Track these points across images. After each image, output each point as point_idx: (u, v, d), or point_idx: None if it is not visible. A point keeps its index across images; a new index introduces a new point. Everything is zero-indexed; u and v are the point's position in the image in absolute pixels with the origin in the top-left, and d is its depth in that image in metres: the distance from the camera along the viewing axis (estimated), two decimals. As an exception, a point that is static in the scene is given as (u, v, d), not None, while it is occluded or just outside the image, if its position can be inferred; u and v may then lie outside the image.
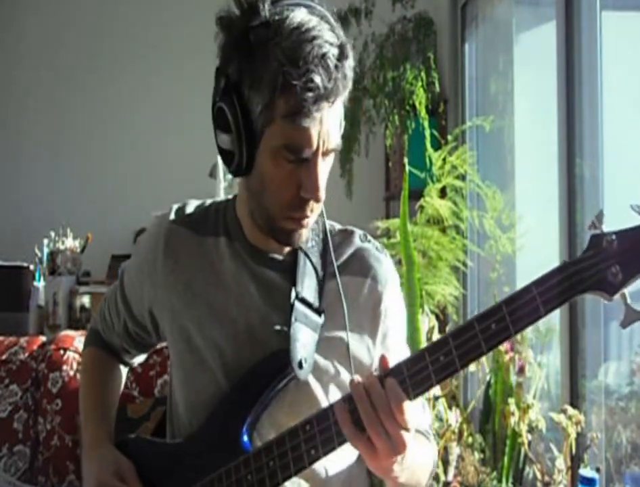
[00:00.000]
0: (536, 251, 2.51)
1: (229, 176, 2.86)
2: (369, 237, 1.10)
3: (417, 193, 2.53)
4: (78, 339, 1.69)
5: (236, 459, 0.94)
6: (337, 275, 1.01)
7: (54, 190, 4.05)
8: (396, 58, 3.12)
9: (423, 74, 3.04)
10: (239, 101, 0.91)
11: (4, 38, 4.16)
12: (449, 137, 2.66)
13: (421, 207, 2.46)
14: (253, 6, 0.89)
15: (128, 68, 4.07)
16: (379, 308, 1.04)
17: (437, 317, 2.29)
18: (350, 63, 0.90)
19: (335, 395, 1.00)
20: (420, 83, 2.99)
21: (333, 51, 0.87)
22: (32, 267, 3.11)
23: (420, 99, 2.95)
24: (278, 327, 0.99)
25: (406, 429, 0.82)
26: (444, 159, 2.51)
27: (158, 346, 1.60)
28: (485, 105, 3.06)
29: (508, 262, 2.56)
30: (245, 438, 0.96)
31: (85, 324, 3.05)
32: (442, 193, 2.54)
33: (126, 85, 4.07)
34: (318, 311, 1.00)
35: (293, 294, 0.99)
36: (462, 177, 2.54)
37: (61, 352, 1.63)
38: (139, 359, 1.28)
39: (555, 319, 2.15)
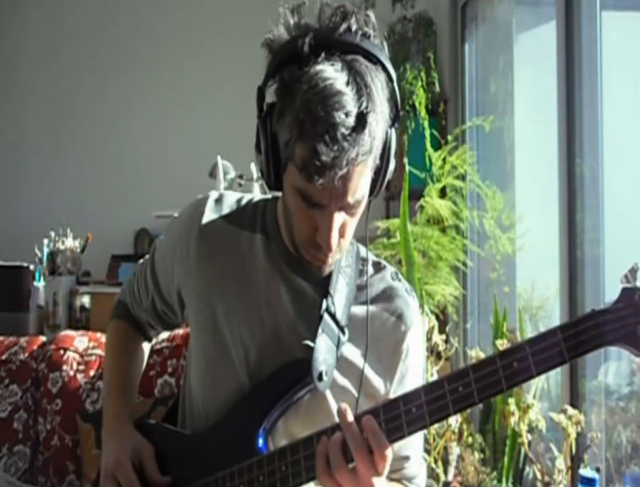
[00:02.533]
0: (536, 251, 2.51)
1: (229, 176, 2.86)
2: (400, 276, 1.10)
3: (417, 193, 2.53)
4: (78, 339, 1.69)
5: (250, 459, 0.95)
6: (368, 306, 1.01)
7: (54, 190, 4.05)
8: (396, 58, 3.12)
9: (423, 74, 3.04)
10: (271, 126, 0.90)
11: (5, 37, 4.16)
12: (449, 137, 2.66)
13: (421, 207, 2.46)
14: (294, 40, 0.87)
15: (129, 69, 4.07)
16: (400, 347, 1.04)
17: (437, 317, 2.29)
18: (370, 131, 0.84)
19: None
20: (420, 83, 3.00)
21: (347, 122, 0.82)
22: (32, 267, 3.11)
23: (420, 99, 2.95)
24: (304, 336, 1.00)
25: (379, 474, 0.83)
26: (444, 159, 2.51)
27: (158, 346, 1.61)
28: (485, 105, 3.06)
29: (508, 262, 2.56)
30: (261, 442, 0.97)
31: (85, 324, 3.05)
32: (442, 193, 2.54)
33: (127, 85, 4.07)
34: (342, 329, 1.01)
35: (324, 305, 1.00)
36: (462, 177, 2.54)
37: (61, 352, 1.63)
38: (162, 335, 1.29)
39: (555, 319, 2.15)
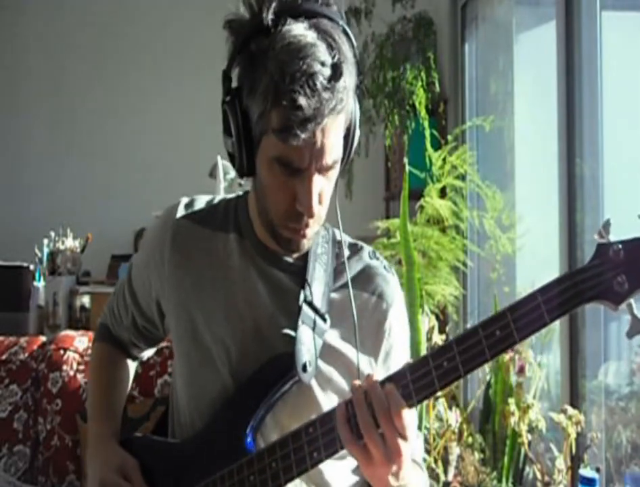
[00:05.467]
0: (536, 251, 2.51)
1: (229, 176, 2.86)
2: (377, 255, 1.10)
3: (417, 193, 2.53)
4: (78, 339, 1.69)
5: (240, 459, 0.94)
6: (350, 288, 1.00)
7: (54, 190, 4.05)
8: (396, 58, 3.12)
9: (423, 74, 3.04)
10: (240, 106, 0.90)
11: (8, 37, 4.16)
12: (449, 137, 2.66)
13: (421, 207, 2.46)
14: (258, 13, 0.87)
15: (130, 70, 4.07)
16: (383, 326, 1.04)
17: (437, 317, 2.29)
18: (345, 81, 0.86)
19: (335, 401, 0.99)
20: (420, 83, 3.00)
21: (324, 72, 0.84)
22: (32, 267, 3.11)
23: (420, 99, 2.95)
24: (284, 328, 0.99)
25: (403, 437, 0.82)
26: (444, 159, 2.51)
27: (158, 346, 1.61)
28: (485, 105, 3.06)
29: (508, 262, 2.56)
30: (249, 440, 0.96)
31: (85, 324, 3.05)
32: (442, 193, 2.54)
33: (127, 86, 4.07)
34: (323, 316, 1.00)
35: (302, 296, 0.99)
36: (462, 177, 2.54)
37: (61, 352, 1.63)
38: (148, 353, 1.28)
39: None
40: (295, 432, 0.90)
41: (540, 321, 0.79)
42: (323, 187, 0.92)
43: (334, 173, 0.94)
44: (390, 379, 0.85)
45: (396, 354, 1.05)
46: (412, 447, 0.85)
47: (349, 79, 0.88)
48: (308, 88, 0.83)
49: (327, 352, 1.00)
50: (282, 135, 0.85)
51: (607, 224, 0.81)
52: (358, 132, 0.97)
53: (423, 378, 0.83)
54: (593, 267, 0.79)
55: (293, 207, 0.92)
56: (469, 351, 0.81)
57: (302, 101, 0.82)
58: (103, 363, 1.22)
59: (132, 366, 1.26)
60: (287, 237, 0.96)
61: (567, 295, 0.79)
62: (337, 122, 0.89)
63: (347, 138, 0.94)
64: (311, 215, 0.91)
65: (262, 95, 0.86)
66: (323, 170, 0.91)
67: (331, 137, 0.89)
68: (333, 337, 1.01)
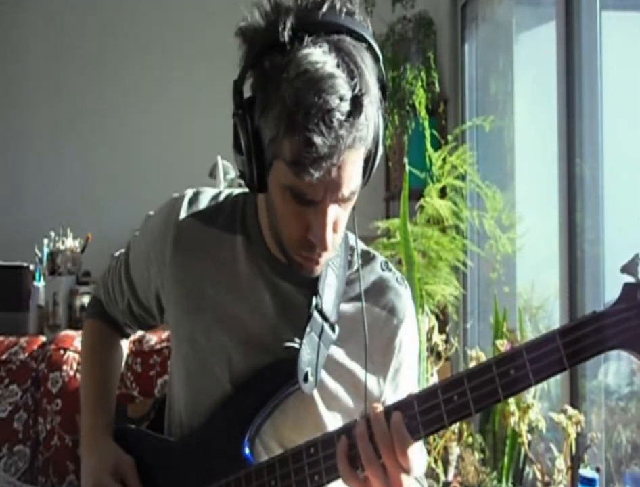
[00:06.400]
0: (536, 251, 2.51)
1: (229, 176, 2.86)
2: (390, 266, 1.05)
3: (417, 193, 2.53)
4: (78, 339, 1.69)
5: (237, 469, 0.93)
6: (363, 303, 0.94)
7: (54, 190, 4.05)
8: (396, 58, 3.12)
9: (423, 74, 3.04)
10: (252, 124, 0.83)
11: (8, 34, 4.16)
12: (449, 137, 2.66)
13: (421, 207, 2.46)
14: (274, 25, 0.79)
15: (130, 69, 4.07)
16: (393, 343, 1.00)
17: (437, 317, 2.28)
18: (366, 115, 0.79)
19: (339, 418, 0.98)
20: (420, 83, 3.00)
21: (342, 107, 0.76)
22: (32, 267, 3.11)
23: (420, 99, 2.95)
24: (289, 340, 0.96)
25: (406, 471, 0.80)
26: (444, 159, 2.51)
27: (158, 346, 1.61)
28: (485, 105, 3.06)
29: (508, 262, 2.56)
30: (247, 450, 0.94)
31: (85, 324, 3.04)
32: (442, 193, 2.54)
33: (127, 86, 4.07)
34: (333, 326, 0.96)
35: (313, 303, 0.95)
36: (462, 177, 2.54)
37: (61, 352, 1.63)
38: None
39: (555, 319, 2.15)
40: (295, 452, 0.88)
41: (559, 365, 0.74)
42: (338, 215, 0.87)
43: (351, 202, 0.88)
44: (397, 408, 0.81)
45: (405, 370, 1.02)
46: (414, 469, 0.82)
47: (371, 110, 0.81)
48: (324, 126, 0.76)
49: (334, 369, 0.97)
50: (294, 169, 0.79)
51: (635, 260, 0.73)
52: (381, 151, 0.88)
53: (432, 411, 0.79)
54: (619, 312, 0.73)
55: (306, 236, 0.86)
56: (481, 388, 0.77)
57: (317, 139, 0.76)
58: (95, 345, 1.18)
59: (124, 345, 1.24)
60: (299, 262, 0.91)
61: (589, 341, 0.73)
62: (355, 154, 0.82)
63: (368, 161, 0.87)
64: (325, 248, 0.85)
65: (275, 120, 0.80)
66: (340, 201, 0.85)
67: (348, 170, 0.82)
68: (341, 353, 0.98)
